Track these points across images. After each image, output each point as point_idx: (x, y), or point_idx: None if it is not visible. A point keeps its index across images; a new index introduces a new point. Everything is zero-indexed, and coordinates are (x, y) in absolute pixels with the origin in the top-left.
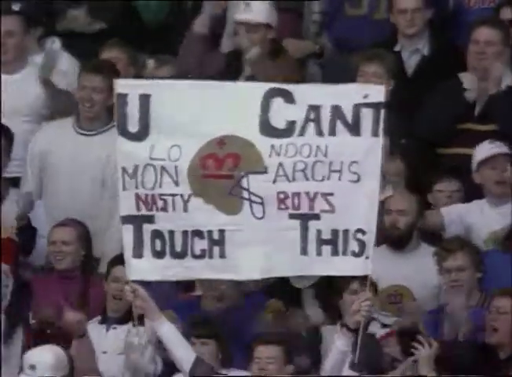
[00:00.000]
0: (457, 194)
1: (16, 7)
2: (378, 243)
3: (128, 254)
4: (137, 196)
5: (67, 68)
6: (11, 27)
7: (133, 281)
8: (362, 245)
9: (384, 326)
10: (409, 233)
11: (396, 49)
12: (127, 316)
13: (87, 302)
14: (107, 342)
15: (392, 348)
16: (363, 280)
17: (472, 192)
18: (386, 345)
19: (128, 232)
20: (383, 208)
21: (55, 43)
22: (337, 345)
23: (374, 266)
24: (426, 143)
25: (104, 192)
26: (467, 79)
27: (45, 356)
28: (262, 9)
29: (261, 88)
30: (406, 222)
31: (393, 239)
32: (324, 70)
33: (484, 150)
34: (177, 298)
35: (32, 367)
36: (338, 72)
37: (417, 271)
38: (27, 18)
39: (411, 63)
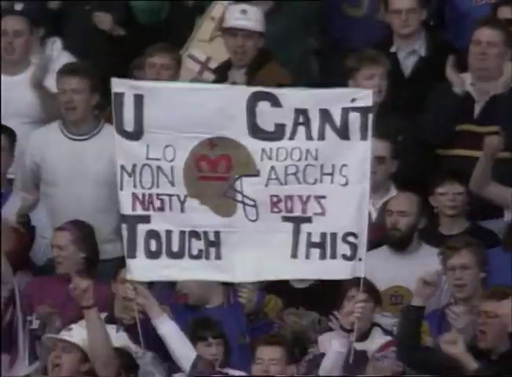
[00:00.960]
0: (460, 196)
1: (18, 7)
2: (379, 243)
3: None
4: (134, 196)
5: None
6: (19, 26)
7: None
8: (354, 248)
9: (386, 332)
10: (410, 234)
11: (392, 50)
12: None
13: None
14: (116, 343)
15: (388, 362)
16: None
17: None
18: (383, 360)
19: (125, 232)
20: (386, 209)
21: (56, 43)
22: (333, 346)
23: (374, 267)
24: (424, 143)
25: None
26: (466, 81)
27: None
28: (258, 17)
29: (244, 91)
30: (407, 223)
31: (394, 240)
32: (322, 68)
33: None
34: (170, 300)
35: (69, 329)
36: (335, 71)
37: (418, 272)
38: (30, 18)
39: (407, 64)
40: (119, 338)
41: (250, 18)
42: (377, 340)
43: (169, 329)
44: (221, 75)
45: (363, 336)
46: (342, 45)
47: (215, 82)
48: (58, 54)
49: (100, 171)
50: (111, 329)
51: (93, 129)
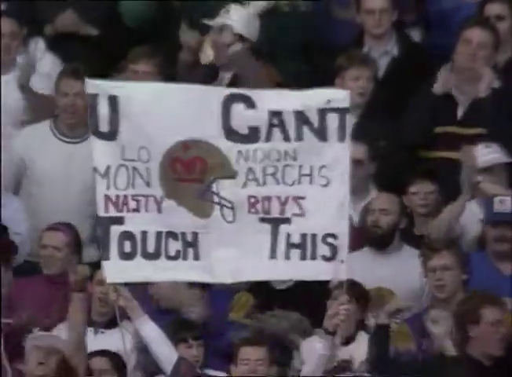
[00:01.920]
0: (431, 195)
1: (3, 6)
2: (361, 244)
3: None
4: (106, 197)
5: (49, 70)
6: (14, 28)
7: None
8: (333, 249)
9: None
10: (391, 233)
11: (364, 51)
12: (114, 320)
13: None
14: (95, 346)
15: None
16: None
17: (448, 194)
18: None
19: (99, 234)
20: (367, 210)
21: (39, 44)
22: (316, 348)
23: (356, 268)
24: (405, 146)
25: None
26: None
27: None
28: (240, 18)
29: (220, 92)
30: (388, 221)
31: (376, 238)
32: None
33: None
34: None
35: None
36: (321, 71)
37: (399, 273)
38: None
39: (380, 65)
40: (97, 340)
41: (230, 18)
42: (363, 344)
43: (150, 331)
44: (212, 71)
45: (349, 340)
46: (327, 45)
47: (205, 76)
48: (41, 55)
49: (86, 176)
50: (89, 332)
51: (85, 133)
